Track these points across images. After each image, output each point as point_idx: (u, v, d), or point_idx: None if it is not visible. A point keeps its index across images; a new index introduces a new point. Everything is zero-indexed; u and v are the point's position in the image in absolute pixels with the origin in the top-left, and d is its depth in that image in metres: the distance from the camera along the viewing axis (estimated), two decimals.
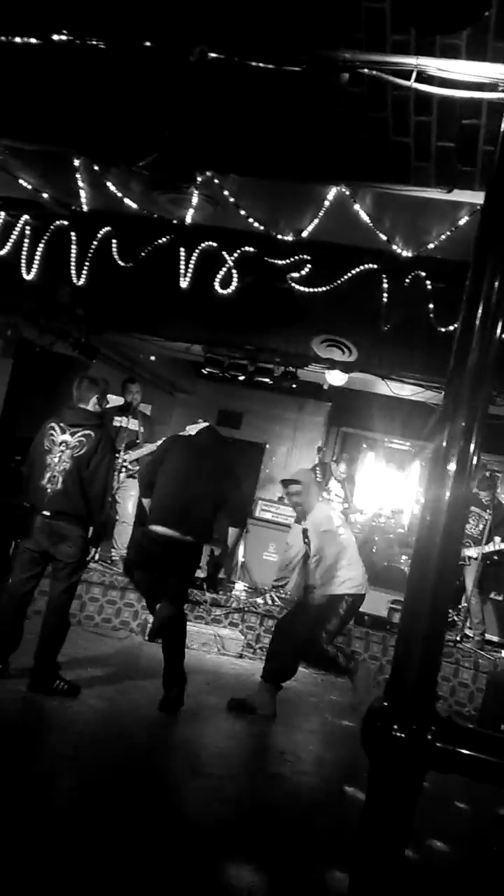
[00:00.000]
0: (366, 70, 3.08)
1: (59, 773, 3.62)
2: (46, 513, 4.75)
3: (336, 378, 7.41)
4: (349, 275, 5.04)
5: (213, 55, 3.19)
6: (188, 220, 4.65)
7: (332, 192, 3.96)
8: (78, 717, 4.49)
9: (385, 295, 5.16)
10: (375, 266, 4.96)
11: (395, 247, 4.40)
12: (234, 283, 5.38)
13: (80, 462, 4.77)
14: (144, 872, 2.86)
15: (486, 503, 7.71)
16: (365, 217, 4.05)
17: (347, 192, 3.91)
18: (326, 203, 4.01)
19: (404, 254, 4.44)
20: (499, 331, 1.38)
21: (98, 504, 4.84)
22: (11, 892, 2.53)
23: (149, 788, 3.71)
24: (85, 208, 4.89)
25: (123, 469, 7.77)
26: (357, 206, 3.98)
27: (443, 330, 5.05)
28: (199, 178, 4.18)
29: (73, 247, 5.56)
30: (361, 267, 5.00)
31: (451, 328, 5.21)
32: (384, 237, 4.27)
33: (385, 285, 5.11)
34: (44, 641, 4.82)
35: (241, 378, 8.05)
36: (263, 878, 3.01)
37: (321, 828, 3.63)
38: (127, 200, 4.57)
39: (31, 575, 4.88)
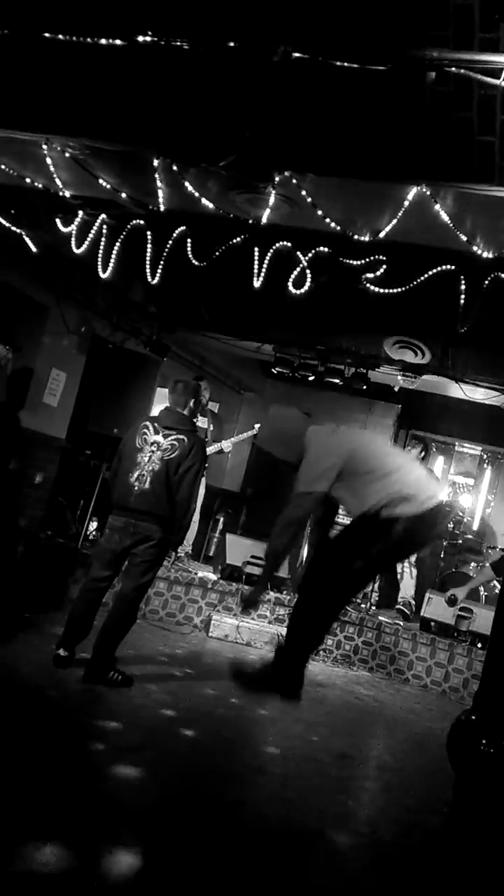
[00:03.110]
0: (453, 69, 3.03)
1: (120, 765, 3.67)
2: (130, 511, 4.82)
3: (408, 380, 7.32)
4: (426, 276, 4.95)
5: (296, 55, 3.18)
6: (264, 220, 4.64)
7: (412, 192, 3.89)
8: (141, 710, 4.55)
9: (462, 297, 5.06)
10: (453, 267, 4.86)
11: (474, 248, 4.31)
12: (308, 284, 5.35)
13: (169, 465, 4.81)
14: (206, 870, 2.87)
15: None
16: (445, 217, 3.97)
17: (428, 192, 3.84)
18: (406, 203, 3.95)
19: (484, 255, 4.34)
20: None
21: (183, 509, 4.87)
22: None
23: (212, 783, 3.73)
24: (162, 208, 4.93)
25: None
26: (438, 207, 3.91)
27: None
28: (277, 178, 4.16)
29: (149, 246, 5.62)
30: (439, 268, 4.90)
31: None
32: (464, 238, 4.18)
33: (463, 286, 5.01)
34: (106, 633, 4.89)
35: (311, 378, 8.02)
36: (333, 886, 2.99)
37: (386, 837, 3.59)
38: (204, 200, 4.58)
39: (109, 574, 4.97)
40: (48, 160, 4.58)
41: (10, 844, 2.62)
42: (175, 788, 3.55)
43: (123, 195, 5.00)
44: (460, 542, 8.91)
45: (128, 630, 4.98)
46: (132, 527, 4.82)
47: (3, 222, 5.58)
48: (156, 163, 4.31)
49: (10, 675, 4.59)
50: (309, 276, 5.33)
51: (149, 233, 5.54)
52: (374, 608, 7.91)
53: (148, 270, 5.73)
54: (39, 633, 5.60)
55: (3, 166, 4.86)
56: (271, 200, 4.38)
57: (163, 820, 3.17)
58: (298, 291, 5.38)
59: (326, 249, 5.17)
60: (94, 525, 7.78)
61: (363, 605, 7.90)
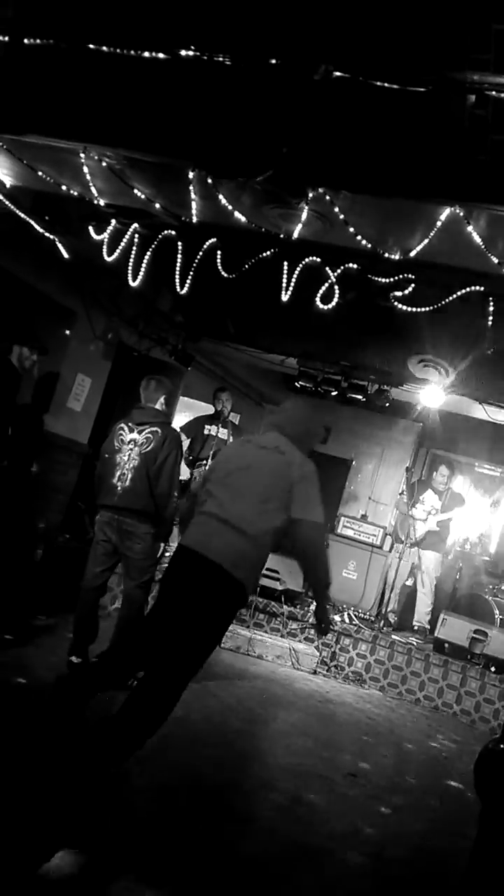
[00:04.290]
0: (493, 92, 3.04)
1: (133, 772, 3.67)
2: (115, 508, 4.88)
3: (431, 399, 7.30)
4: (454, 296, 4.95)
5: (337, 74, 3.21)
6: (295, 235, 4.66)
7: (445, 213, 3.90)
8: None
9: (490, 318, 5.05)
10: (482, 289, 4.86)
11: None
12: (335, 300, 5.36)
13: (147, 458, 4.88)
14: (215, 884, 2.87)
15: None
16: (478, 239, 3.98)
17: (461, 214, 3.85)
18: (439, 223, 3.96)
19: None
20: None
21: (164, 500, 4.92)
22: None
23: (223, 796, 3.73)
24: (194, 219, 4.97)
25: None
26: (470, 228, 3.91)
27: None
28: (310, 194, 4.18)
29: (179, 256, 5.66)
30: (468, 289, 4.90)
31: None
32: (496, 260, 4.18)
33: (491, 308, 5.01)
34: (119, 637, 4.92)
35: (334, 393, 8.01)
36: None
37: (393, 858, 3.56)
38: (237, 213, 4.61)
39: (103, 568, 5.04)
40: (85, 168, 4.63)
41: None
42: (185, 800, 3.55)
43: (157, 205, 5.04)
44: (477, 564, 8.85)
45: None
46: (115, 522, 4.88)
47: (38, 228, 5.64)
48: (191, 175, 4.35)
49: (26, 678, 4.61)
50: (337, 292, 5.34)
51: (180, 243, 5.59)
52: (387, 628, 7.88)
53: (177, 280, 5.77)
54: (56, 636, 5.62)
55: (40, 173, 4.93)
56: (304, 216, 4.40)
57: (171, 832, 3.17)
58: (326, 307, 5.39)
59: (355, 266, 5.18)
60: None
61: (376, 624, 7.87)
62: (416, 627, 8.10)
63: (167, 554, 7.51)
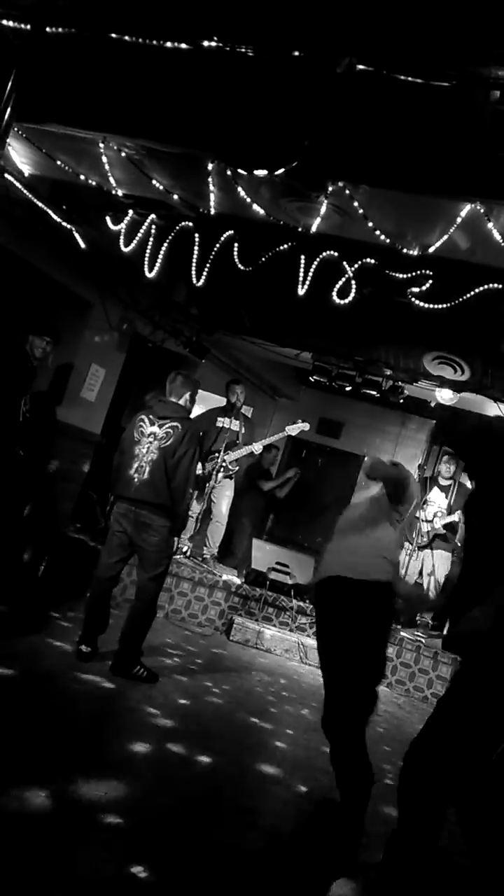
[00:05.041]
0: None
1: (138, 763, 3.68)
2: (132, 500, 4.88)
3: (446, 396, 7.28)
4: (472, 293, 4.92)
5: (360, 67, 3.18)
6: (314, 228, 4.64)
7: (465, 209, 3.88)
8: (161, 709, 4.56)
9: None
10: (500, 286, 4.83)
11: None
12: (352, 294, 5.34)
13: (166, 453, 4.89)
14: (217, 877, 2.87)
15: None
16: (497, 236, 3.95)
17: (482, 210, 3.82)
18: (459, 219, 3.93)
19: None
20: None
21: (180, 494, 4.93)
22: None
23: (226, 789, 3.73)
24: (212, 211, 4.96)
25: (221, 469, 7.85)
26: (490, 225, 3.89)
27: None
28: (329, 188, 4.16)
29: (196, 248, 5.65)
30: (486, 286, 4.87)
31: None
32: None
33: None
34: (130, 627, 4.96)
35: (348, 388, 7.99)
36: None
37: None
38: (255, 206, 4.60)
39: (117, 559, 5.04)
40: (104, 158, 4.63)
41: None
42: (193, 790, 3.56)
43: (175, 196, 5.04)
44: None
45: (150, 622, 5.03)
46: (132, 514, 4.89)
47: (56, 217, 5.64)
48: (210, 166, 4.33)
49: (35, 668, 4.63)
50: (354, 286, 5.32)
51: (196, 235, 5.58)
52: (396, 626, 7.86)
53: (193, 272, 5.77)
54: (67, 626, 5.64)
55: (59, 162, 4.93)
56: (322, 209, 4.38)
57: (176, 825, 3.18)
58: (342, 301, 5.37)
59: (373, 261, 5.16)
60: None
61: None
62: (417, 622, 8.06)
63: (180, 547, 7.52)
